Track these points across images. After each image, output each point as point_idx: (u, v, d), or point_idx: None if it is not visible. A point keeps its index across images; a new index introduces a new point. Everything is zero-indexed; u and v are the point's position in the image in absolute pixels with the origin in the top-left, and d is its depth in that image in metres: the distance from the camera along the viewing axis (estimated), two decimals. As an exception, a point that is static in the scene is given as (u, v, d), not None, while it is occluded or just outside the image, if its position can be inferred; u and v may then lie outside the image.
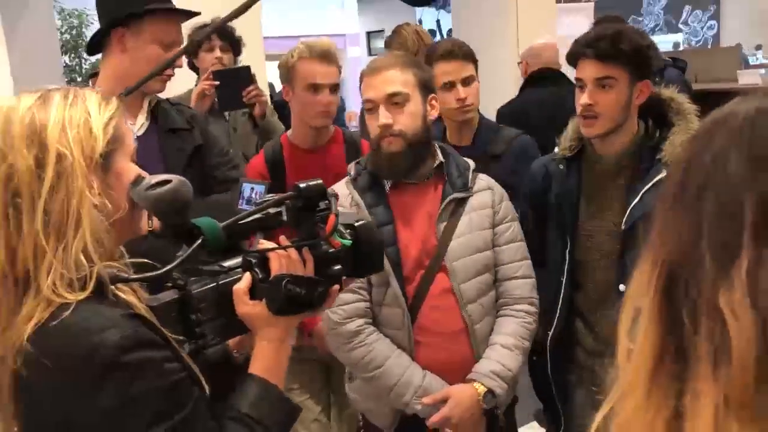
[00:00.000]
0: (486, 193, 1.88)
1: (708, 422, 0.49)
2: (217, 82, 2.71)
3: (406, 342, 1.78)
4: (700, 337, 0.51)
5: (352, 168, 1.90)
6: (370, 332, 1.77)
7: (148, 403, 0.94)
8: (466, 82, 2.29)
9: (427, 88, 1.84)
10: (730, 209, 0.50)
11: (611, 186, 1.95)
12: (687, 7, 15.37)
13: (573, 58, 1.90)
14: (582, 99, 1.87)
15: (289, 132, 2.45)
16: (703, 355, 0.50)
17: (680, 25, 15.53)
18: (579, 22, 5.45)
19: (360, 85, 1.85)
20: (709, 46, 14.71)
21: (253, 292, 1.13)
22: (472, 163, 1.91)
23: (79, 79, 11.23)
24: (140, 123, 1.95)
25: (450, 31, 11.52)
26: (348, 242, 1.20)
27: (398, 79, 1.76)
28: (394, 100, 1.75)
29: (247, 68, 2.84)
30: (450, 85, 2.29)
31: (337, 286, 1.19)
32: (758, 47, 9.34)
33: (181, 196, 1.05)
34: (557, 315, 2.03)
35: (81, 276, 0.95)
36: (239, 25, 3.02)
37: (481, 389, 1.75)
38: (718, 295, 0.49)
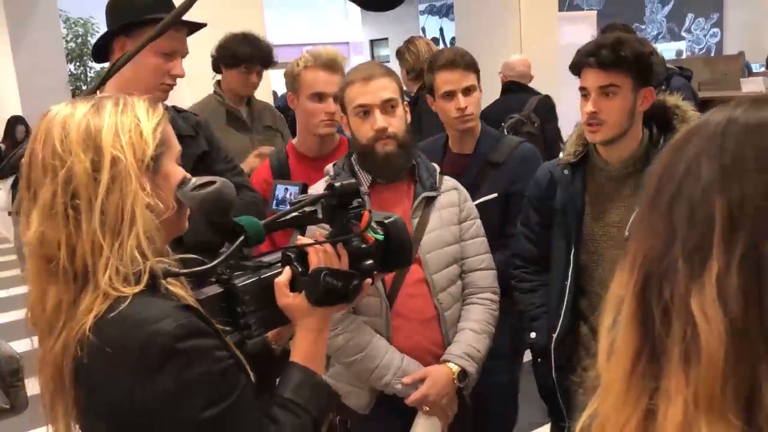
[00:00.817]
0: (453, 193, 2.01)
1: (677, 420, 0.51)
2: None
3: (384, 328, 1.89)
4: (672, 337, 0.52)
5: (330, 169, 1.99)
6: (351, 320, 1.89)
7: (201, 388, 0.99)
8: (467, 91, 2.29)
9: (404, 94, 1.99)
10: (702, 215, 0.52)
11: (616, 192, 1.96)
12: (690, 15, 15.41)
13: (576, 68, 1.91)
14: (587, 107, 1.88)
15: (295, 140, 2.47)
16: (675, 355, 0.52)
17: (683, 33, 15.57)
18: (581, 31, 5.48)
19: (343, 94, 1.93)
20: (712, 54, 14.74)
21: (294, 285, 1.18)
22: (437, 167, 2.04)
23: (84, 87, 11.29)
24: None
25: (453, 39, 11.56)
26: (381, 237, 1.25)
27: (389, 86, 1.88)
28: (390, 105, 1.86)
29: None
30: (451, 95, 2.29)
31: (369, 280, 1.24)
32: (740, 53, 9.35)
33: (225, 196, 1.11)
34: (561, 319, 2.04)
35: (135, 271, 1.00)
36: (250, 29, 3.04)
37: (455, 369, 1.88)
38: (690, 298, 0.51)
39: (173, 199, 1.09)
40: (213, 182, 1.10)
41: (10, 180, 7.25)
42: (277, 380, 1.18)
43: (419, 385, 1.85)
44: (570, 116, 2.14)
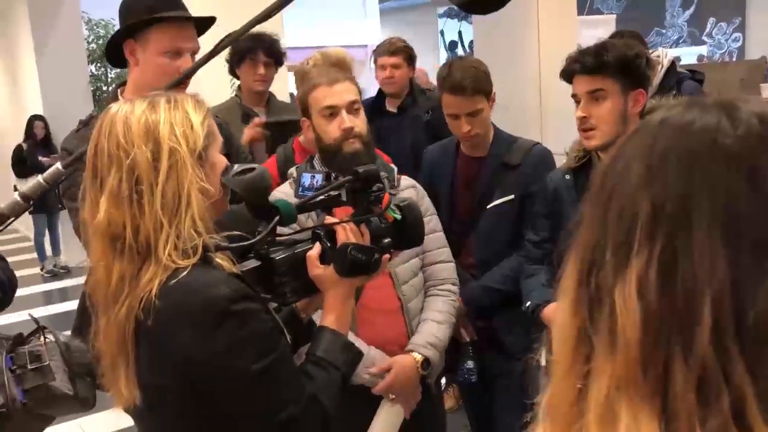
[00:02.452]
0: (411, 190, 2.06)
1: (600, 399, 0.55)
2: (268, 132, 2.82)
3: (350, 320, 1.92)
4: (599, 324, 0.57)
5: (293, 171, 2.06)
6: (318, 314, 1.90)
7: (251, 344, 1.14)
8: (472, 115, 2.25)
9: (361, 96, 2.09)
10: (628, 212, 0.56)
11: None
12: (711, 20, 15.27)
13: (567, 76, 1.95)
14: (577, 112, 1.91)
15: (301, 137, 2.50)
16: (602, 340, 0.56)
17: (704, 38, 15.43)
18: (600, 35, 5.45)
19: (307, 96, 1.99)
20: (734, 59, 14.59)
21: (323, 258, 1.34)
22: (395, 167, 2.11)
23: (104, 88, 11.41)
24: None
25: (471, 42, 11.54)
26: (399, 216, 1.39)
27: (352, 89, 1.97)
28: (354, 107, 1.95)
29: (296, 121, 2.87)
30: (455, 116, 2.28)
31: (387, 256, 1.39)
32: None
33: (264, 181, 1.26)
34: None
35: (191, 246, 1.14)
36: (268, 32, 3.06)
37: (419, 358, 1.94)
38: (614, 288, 0.55)
39: (219, 184, 1.23)
40: (253, 169, 1.24)
41: (31, 179, 7.37)
42: (307, 345, 1.34)
43: (385, 375, 1.91)
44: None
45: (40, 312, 6.30)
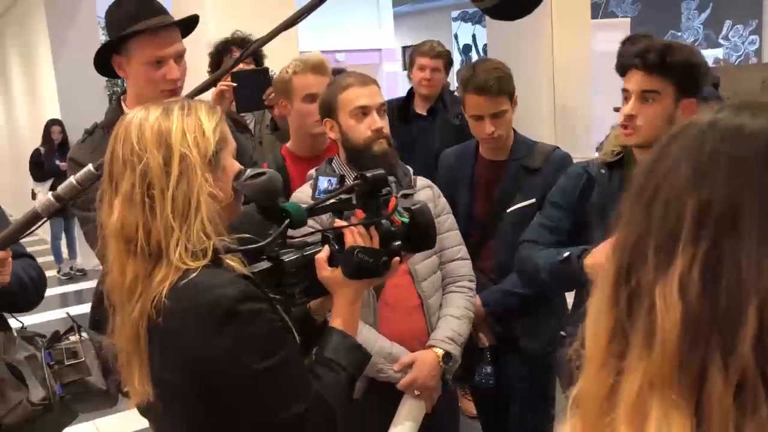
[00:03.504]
0: (427, 190, 2.11)
1: (631, 396, 0.55)
2: (235, 84, 2.74)
3: (372, 318, 1.98)
4: (637, 321, 0.57)
5: (313, 172, 2.09)
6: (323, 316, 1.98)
7: (259, 343, 1.17)
8: (496, 116, 2.26)
9: None
10: (674, 212, 0.56)
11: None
12: (728, 22, 15.14)
13: (621, 69, 1.87)
14: (625, 109, 1.83)
15: (289, 143, 2.57)
16: (637, 338, 0.56)
17: (720, 40, 15.30)
18: (615, 39, 5.42)
19: (335, 97, 2.01)
20: (751, 62, 14.45)
21: (331, 261, 1.37)
22: (410, 168, 2.14)
23: (118, 90, 11.49)
24: None
25: (485, 46, 11.54)
26: (406, 219, 1.42)
27: (380, 92, 2.04)
28: (383, 109, 2.01)
29: (266, 70, 2.87)
30: (479, 118, 2.28)
31: (397, 258, 1.41)
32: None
33: (274, 185, 1.29)
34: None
35: (201, 248, 1.17)
36: (276, 40, 3.07)
37: (440, 352, 1.99)
38: (655, 287, 0.55)
39: (231, 189, 1.26)
40: (264, 173, 1.27)
41: (48, 183, 7.44)
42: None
43: (408, 370, 1.95)
44: (603, 124, 2.11)
45: (56, 314, 6.35)
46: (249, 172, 1.28)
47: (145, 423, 2.15)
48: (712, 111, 0.60)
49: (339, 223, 1.42)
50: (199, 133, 1.21)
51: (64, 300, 7.07)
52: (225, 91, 2.78)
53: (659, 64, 1.76)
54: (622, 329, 0.58)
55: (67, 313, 1.90)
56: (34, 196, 7.62)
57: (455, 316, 2.04)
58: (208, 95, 2.10)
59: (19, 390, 1.69)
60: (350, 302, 1.38)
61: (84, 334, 1.85)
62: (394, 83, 12.16)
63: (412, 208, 1.45)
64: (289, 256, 1.34)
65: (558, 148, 2.41)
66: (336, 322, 1.38)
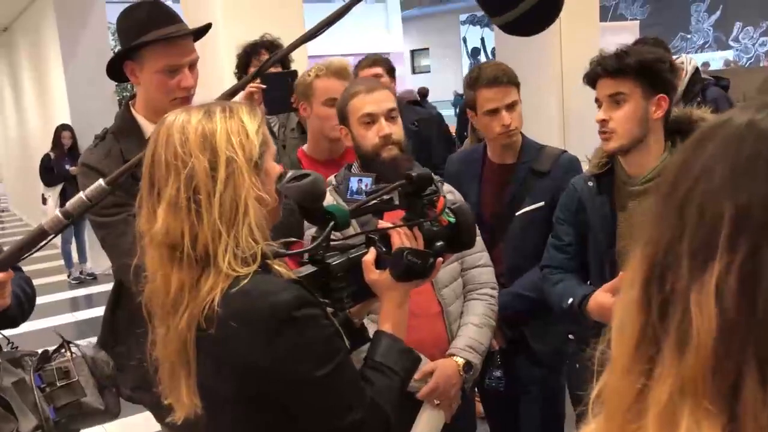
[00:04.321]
0: (448, 195, 2.09)
1: (661, 401, 0.53)
2: (264, 86, 2.76)
3: (406, 324, 1.95)
4: (669, 325, 0.55)
5: (332, 179, 2.08)
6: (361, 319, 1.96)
7: (315, 349, 1.14)
8: (510, 107, 2.29)
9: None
10: (710, 215, 0.54)
11: (642, 205, 1.93)
12: (738, 24, 15.08)
13: (590, 80, 1.95)
14: (597, 115, 1.91)
15: (305, 147, 2.57)
16: (669, 342, 0.55)
17: (730, 42, 15.25)
18: (623, 41, 5.40)
19: (346, 105, 2.02)
20: (762, 64, 14.39)
21: (378, 263, 1.34)
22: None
23: (127, 95, 11.54)
24: None
25: (494, 49, 11.51)
26: (453, 219, 1.40)
27: (390, 98, 2.01)
28: (392, 115, 1.98)
29: (295, 72, 2.87)
30: (494, 112, 2.30)
31: (440, 259, 1.38)
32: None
33: (319, 187, 1.26)
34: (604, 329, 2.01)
35: (250, 254, 1.14)
36: (284, 40, 3.08)
37: (461, 361, 1.95)
38: (690, 292, 0.53)
39: (275, 192, 1.24)
40: (307, 175, 1.25)
41: (59, 188, 7.48)
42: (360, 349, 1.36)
43: (428, 379, 1.91)
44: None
45: (66, 319, 6.38)
46: (290, 174, 1.25)
47: (155, 426, 2.15)
48: (749, 111, 0.57)
49: (383, 224, 1.39)
50: (244, 136, 1.17)
51: (74, 305, 7.09)
52: (254, 93, 2.78)
53: (618, 67, 1.84)
54: (652, 333, 0.56)
55: (55, 331, 1.82)
56: (44, 200, 7.66)
57: (476, 325, 2.01)
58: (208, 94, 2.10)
59: (8, 421, 1.58)
60: (398, 305, 1.36)
61: (75, 351, 1.77)
62: (402, 87, 12.18)
63: (454, 207, 1.43)
64: (334, 260, 1.31)
65: (566, 151, 2.41)
66: (384, 325, 1.34)
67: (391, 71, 3.42)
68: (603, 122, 1.88)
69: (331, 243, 1.32)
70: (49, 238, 1.53)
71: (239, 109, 1.21)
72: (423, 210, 1.37)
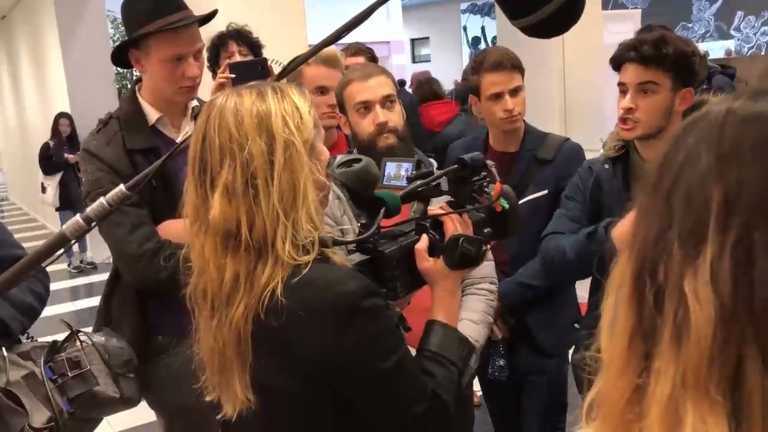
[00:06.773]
0: None
1: (664, 396, 0.53)
2: (233, 75, 2.72)
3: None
4: (664, 318, 0.54)
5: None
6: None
7: (382, 341, 1.11)
8: (514, 92, 2.28)
9: (398, 90, 2.06)
10: (698, 201, 0.54)
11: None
12: (739, 13, 15.02)
13: (616, 63, 1.88)
14: (623, 102, 1.85)
15: None
16: (666, 335, 0.54)
17: (732, 32, 15.19)
18: (625, 30, 5.38)
19: (342, 92, 1.99)
20: (763, 53, 14.34)
21: (432, 251, 1.29)
22: (434, 162, 2.06)
23: (129, 86, 11.51)
24: (185, 130, 2.00)
25: (495, 38, 11.48)
26: (506, 206, 1.34)
27: (387, 83, 1.95)
28: (389, 101, 1.93)
29: (264, 60, 2.84)
30: (498, 96, 2.29)
31: (489, 246, 1.35)
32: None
33: (372, 173, 1.23)
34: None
35: (308, 241, 1.09)
36: (285, 33, 3.06)
37: None
38: (683, 280, 0.53)
39: (326, 176, 1.19)
40: (359, 159, 1.21)
41: (58, 176, 7.46)
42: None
43: None
44: (614, 116, 2.10)
45: (67, 307, 6.39)
46: (340, 158, 1.22)
47: (152, 415, 2.14)
48: (725, 101, 0.58)
49: (434, 210, 1.33)
50: (298, 118, 1.12)
51: (75, 293, 7.10)
52: (224, 84, 2.76)
53: (655, 55, 1.78)
54: (648, 328, 0.56)
55: (63, 320, 1.77)
56: (43, 189, 7.64)
57: (473, 321, 1.97)
58: (205, 90, 2.07)
59: (18, 416, 1.54)
60: (452, 293, 1.31)
61: (85, 340, 1.72)
62: (403, 76, 12.14)
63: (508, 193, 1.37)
64: (387, 247, 1.25)
65: (569, 139, 2.40)
66: (439, 314, 1.29)
67: (373, 61, 3.39)
68: (629, 110, 1.82)
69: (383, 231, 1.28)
70: (71, 243, 1.51)
71: (290, 90, 1.16)
72: (472, 195, 1.32)
